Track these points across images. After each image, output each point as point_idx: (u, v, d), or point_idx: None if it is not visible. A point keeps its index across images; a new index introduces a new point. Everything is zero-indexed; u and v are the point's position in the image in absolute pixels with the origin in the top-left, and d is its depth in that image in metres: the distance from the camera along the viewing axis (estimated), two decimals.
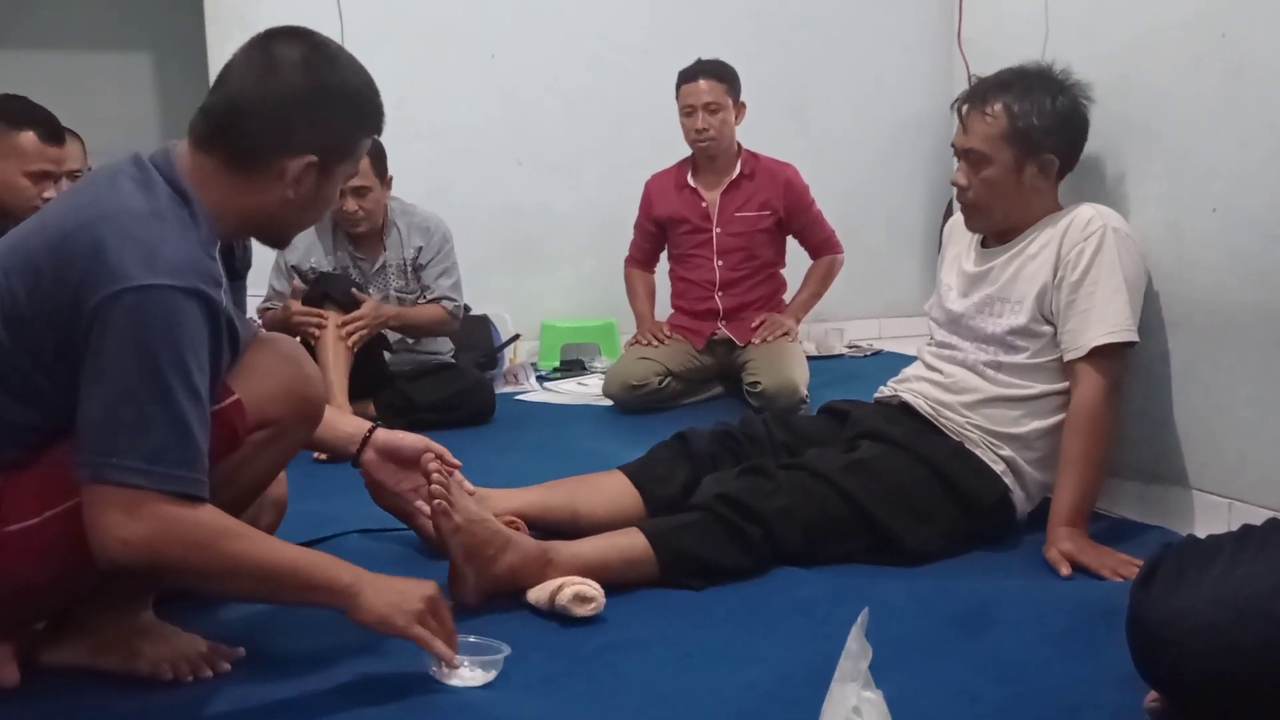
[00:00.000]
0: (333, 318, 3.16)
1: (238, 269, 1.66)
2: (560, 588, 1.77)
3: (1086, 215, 2.12)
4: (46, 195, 2.65)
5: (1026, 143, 2.11)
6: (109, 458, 1.34)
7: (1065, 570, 1.95)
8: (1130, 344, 2.09)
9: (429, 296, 3.40)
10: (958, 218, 2.43)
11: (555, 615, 1.78)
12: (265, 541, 1.48)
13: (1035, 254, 2.15)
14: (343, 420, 1.91)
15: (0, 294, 1.42)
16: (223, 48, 4.21)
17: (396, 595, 1.51)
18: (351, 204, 3.16)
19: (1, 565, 1.41)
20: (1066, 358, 2.10)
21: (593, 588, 1.77)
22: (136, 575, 1.49)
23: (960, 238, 2.36)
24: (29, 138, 2.63)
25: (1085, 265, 2.08)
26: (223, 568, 1.42)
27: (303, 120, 1.50)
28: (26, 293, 1.41)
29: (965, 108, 2.16)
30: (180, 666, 1.57)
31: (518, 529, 1.95)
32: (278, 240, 1.68)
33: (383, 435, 1.89)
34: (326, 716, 1.48)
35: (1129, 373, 2.18)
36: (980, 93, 2.14)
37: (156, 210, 1.43)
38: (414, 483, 1.91)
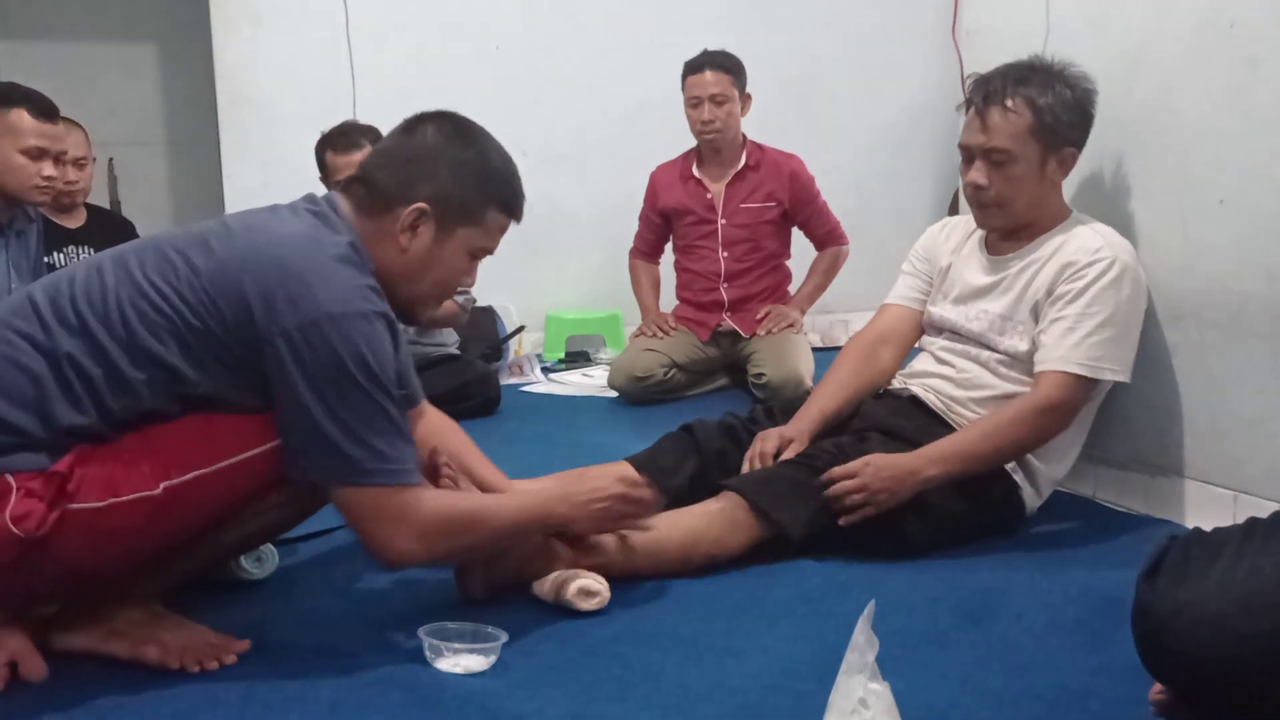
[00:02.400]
0: None
1: None
2: (565, 581, 1.77)
3: (1096, 243, 2.08)
4: (46, 173, 2.67)
5: (1052, 137, 2.07)
6: (359, 466, 1.50)
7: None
8: (1097, 380, 2.05)
9: None
10: (955, 224, 2.39)
11: (561, 608, 1.78)
12: (503, 511, 1.70)
13: (1039, 272, 2.12)
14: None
15: (179, 271, 1.51)
16: (228, 38, 4.22)
17: (589, 513, 1.76)
18: None
19: (56, 541, 1.43)
20: (1037, 367, 2.07)
21: (597, 582, 1.77)
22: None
23: (955, 243, 2.32)
24: (21, 115, 2.64)
25: (1081, 287, 2.04)
26: (482, 544, 1.70)
27: (421, 171, 1.63)
28: (208, 290, 1.50)
29: (982, 105, 2.09)
30: (187, 657, 1.58)
31: None
32: (404, 309, 1.69)
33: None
34: (332, 707, 1.48)
35: (1134, 367, 2.17)
36: (998, 88, 2.07)
37: (335, 241, 1.56)
38: None
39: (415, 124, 1.68)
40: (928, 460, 2.01)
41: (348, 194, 1.66)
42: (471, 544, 1.69)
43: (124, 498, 1.46)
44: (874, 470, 1.97)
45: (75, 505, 1.44)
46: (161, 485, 1.47)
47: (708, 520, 1.95)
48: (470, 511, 1.66)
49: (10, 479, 1.43)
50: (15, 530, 1.41)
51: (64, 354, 1.48)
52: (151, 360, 1.49)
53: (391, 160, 1.66)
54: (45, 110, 2.70)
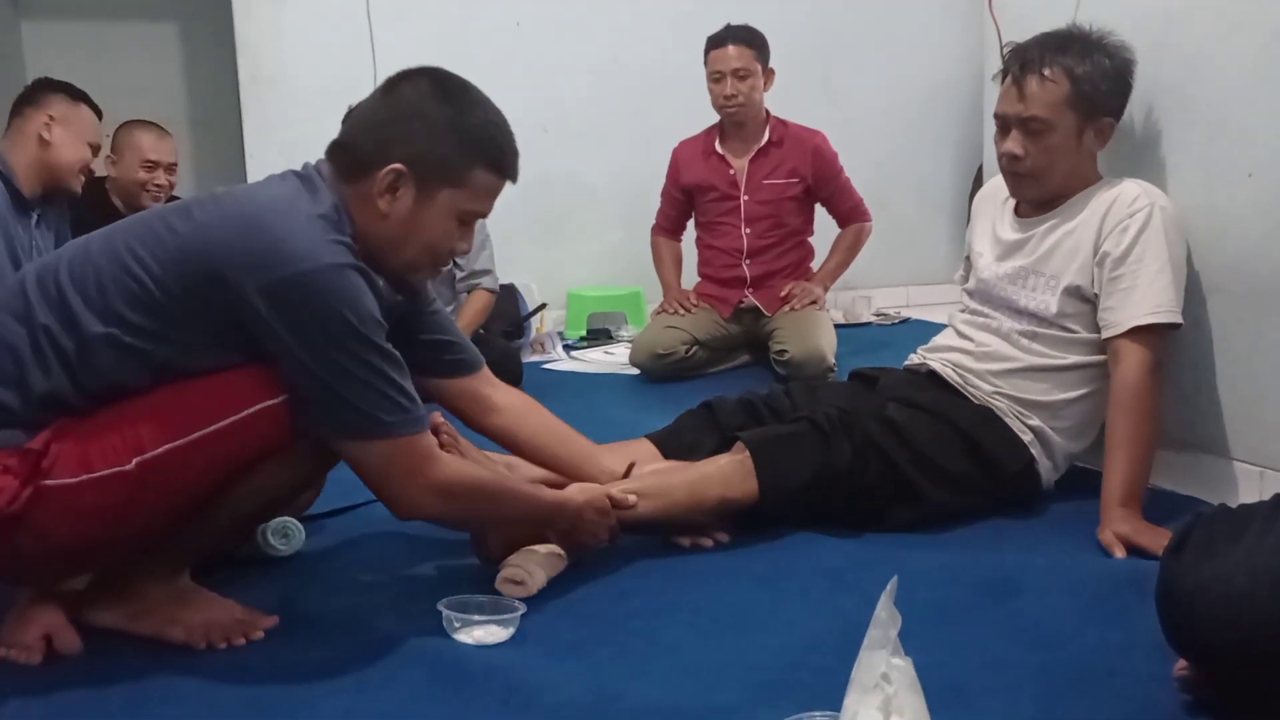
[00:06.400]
0: None
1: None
2: (504, 565, 1.76)
3: (1133, 192, 2.07)
4: (91, 166, 2.86)
5: (1089, 107, 2.05)
6: (367, 418, 1.49)
7: (1119, 553, 1.87)
8: (1173, 325, 2.04)
9: (467, 270, 3.41)
10: (988, 187, 2.40)
11: (584, 580, 1.79)
12: (517, 484, 1.75)
13: (1074, 229, 2.11)
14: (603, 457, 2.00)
15: (160, 238, 1.50)
16: (248, 17, 4.23)
17: (577, 536, 1.82)
18: None
19: (35, 517, 1.45)
20: (1106, 334, 2.06)
21: (524, 571, 1.75)
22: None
23: (992, 205, 2.33)
24: (87, 112, 2.86)
25: (1129, 242, 2.03)
26: (488, 516, 1.74)
27: (399, 132, 1.58)
28: (183, 251, 1.49)
29: (1019, 74, 2.06)
30: (214, 634, 1.60)
31: None
32: (397, 279, 1.66)
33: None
34: (357, 680, 1.50)
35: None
36: (1036, 57, 2.05)
37: (317, 202, 1.53)
38: None
39: (394, 83, 1.62)
40: (1126, 494, 1.95)
41: (330, 160, 1.63)
42: (480, 512, 1.72)
43: (97, 473, 1.46)
44: (1117, 534, 1.90)
45: (50, 481, 1.45)
46: (134, 460, 1.46)
47: (717, 466, 1.97)
48: (486, 484, 1.69)
49: None
50: None
51: (40, 325, 1.49)
52: (122, 323, 1.48)
53: (368, 122, 1.61)
54: (99, 114, 2.91)
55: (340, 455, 1.57)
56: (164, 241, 1.50)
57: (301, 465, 1.63)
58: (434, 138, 1.58)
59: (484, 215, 1.68)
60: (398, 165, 1.56)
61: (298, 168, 1.63)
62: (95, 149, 2.86)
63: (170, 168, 3.45)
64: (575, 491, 1.83)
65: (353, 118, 1.65)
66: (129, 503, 1.47)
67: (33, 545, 1.47)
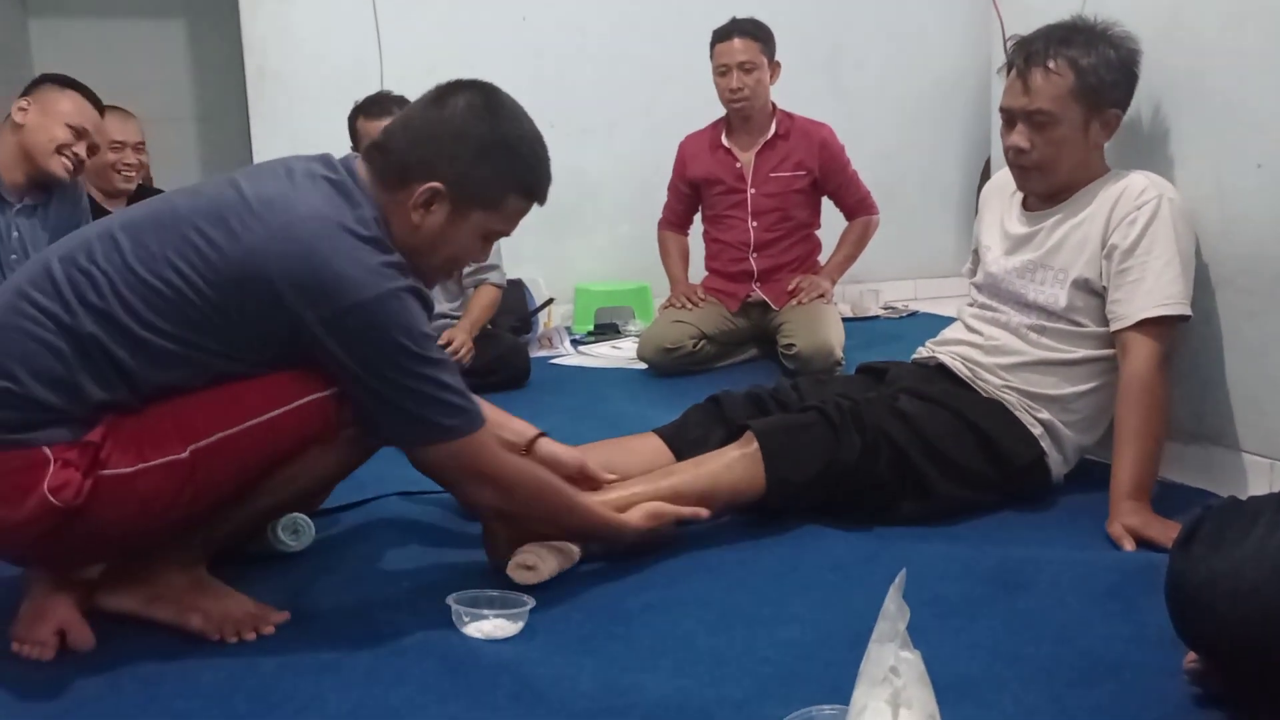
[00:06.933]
0: None
1: None
2: (517, 552, 1.77)
3: (1140, 184, 2.06)
4: (76, 150, 2.80)
5: (1095, 99, 2.05)
6: (433, 425, 1.56)
7: (1129, 545, 1.87)
8: (1182, 317, 2.03)
9: (474, 265, 3.40)
10: (996, 180, 2.39)
11: (593, 575, 1.79)
12: (575, 496, 1.77)
13: (1082, 221, 2.10)
14: (512, 420, 1.96)
15: (203, 254, 1.50)
16: (255, 12, 4.23)
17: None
18: None
19: (93, 506, 1.47)
20: (1114, 327, 2.06)
21: (537, 557, 1.75)
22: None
23: (999, 199, 2.32)
24: (71, 95, 2.82)
25: (1138, 234, 2.03)
26: (546, 511, 1.73)
27: (443, 150, 1.59)
28: (232, 276, 1.49)
29: (1024, 67, 2.06)
30: (227, 628, 1.61)
31: None
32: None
33: (546, 445, 1.92)
34: (367, 675, 1.50)
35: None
36: (1040, 50, 2.04)
37: (358, 217, 1.55)
38: None
39: (445, 95, 1.63)
40: (1135, 487, 1.95)
41: (368, 161, 1.63)
42: (538, 509, 1.73)
43: (152, 462, 1.49)
44: (1127, 527, 1.90)
45: (107, 472, 1.47)
46: (188, 449, 1.50)
47: (727, 465, 1.97)
48: (546, 484, 1.72)
49: (47, 451, 1.46)
50: (54, 501, 1.44)
51: (87, 335, 1.49)
52: (176, 340, 1.50)
53: (414, 132, 1.62)
54: (95, 100, 2.86)
55: (413, 461, 1.63)
56: (207, 257, 1.50)
57: (342, 458, 1.66)
58: (478, 162, 1.60)
59: (508, 235, 1.71)
60: (436, 184, 1.59)
61: (322, 162, 1.61)
62: (78, 132, 2.78)
63: (138, 146, 3.43)
64: (636, 515, 1.84)
65: (398, 123, 1.65)
66: (180, 490, 1.51)
67: (86, 535, 1.50)
